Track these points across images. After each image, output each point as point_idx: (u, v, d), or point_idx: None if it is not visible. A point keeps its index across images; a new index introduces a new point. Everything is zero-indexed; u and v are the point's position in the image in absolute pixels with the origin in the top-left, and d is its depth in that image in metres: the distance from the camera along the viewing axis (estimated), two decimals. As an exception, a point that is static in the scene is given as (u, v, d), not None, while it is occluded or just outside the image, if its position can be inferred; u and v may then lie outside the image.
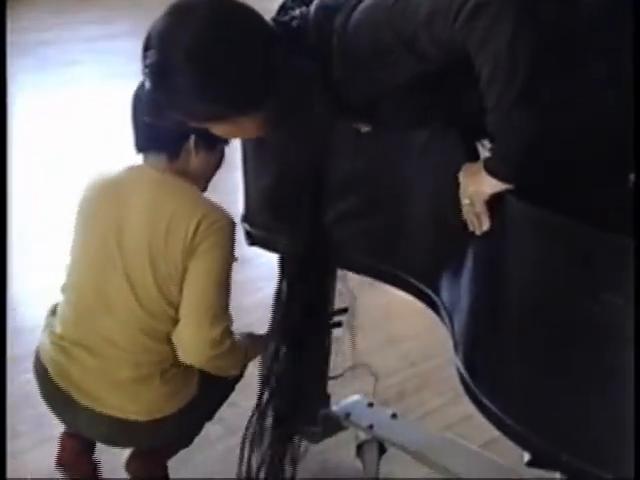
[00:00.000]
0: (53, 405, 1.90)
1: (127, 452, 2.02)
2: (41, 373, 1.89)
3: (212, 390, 1.93)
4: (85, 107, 4.97)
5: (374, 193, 1.78)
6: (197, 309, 1.75)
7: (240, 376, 1.98)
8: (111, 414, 1.81)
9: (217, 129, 1.52)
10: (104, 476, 2.01)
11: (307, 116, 1.50)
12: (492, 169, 1.37)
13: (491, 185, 1.38)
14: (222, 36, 1.37)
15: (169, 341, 1.80)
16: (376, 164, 1.74)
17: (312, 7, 1.49)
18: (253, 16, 1.43)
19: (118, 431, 1.85)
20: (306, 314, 1.73)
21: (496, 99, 1.31)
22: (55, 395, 1.87)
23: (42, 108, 5.03)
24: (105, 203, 1.83)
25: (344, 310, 2.06)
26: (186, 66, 1.36)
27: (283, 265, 1.80)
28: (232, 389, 2.01)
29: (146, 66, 1.40)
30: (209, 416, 2.04)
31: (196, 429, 2.03)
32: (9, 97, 4.56)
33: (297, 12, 1.50)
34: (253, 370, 1.88)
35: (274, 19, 1.50)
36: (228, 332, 1.80)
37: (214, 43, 1.37)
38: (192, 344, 1.77)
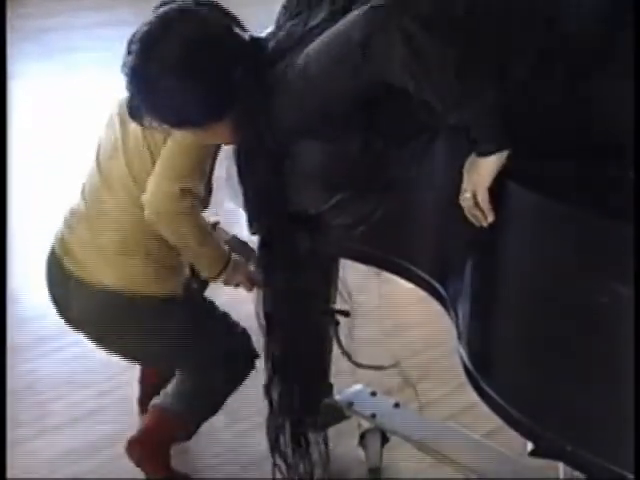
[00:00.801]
0: (51, 284, 2.04)
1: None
2: (49, 256, 2.05)
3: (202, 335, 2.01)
4: (88, 94, 4.97)
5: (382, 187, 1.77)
6: (161, 167, 1.88)
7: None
8: (96, 283, 1.94)
9: (192, 134, 1.71)
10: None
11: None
12: (481, 148, 1.40)
13: (488, 168, 1.40)
14: (193, 53, 1.54)
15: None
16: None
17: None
18: (225, 33, 1.59)
19: (103, 307, 1.95)
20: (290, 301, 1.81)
21: (437, 100, 1.40)
22: (55, 272, 2.02)
23: (45, 94, 5.02)
24: (116, 116, 2.07)
25: (346, 314, 2.09)
26: (160, 76, 1.54)
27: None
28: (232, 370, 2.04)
29: (125, 70, 1.58)
30: (212, 410, 2.07)
31: (198, 415, 2.07)
32: (11, 83, 4.56)
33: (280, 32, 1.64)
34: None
35: (251, 36, 1.63)
36: (192, 195, 1.88)
37: (185, 58, 1.54)
38: (152, 196, 1.87)
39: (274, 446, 1.92)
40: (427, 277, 1.72)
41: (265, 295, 1.83)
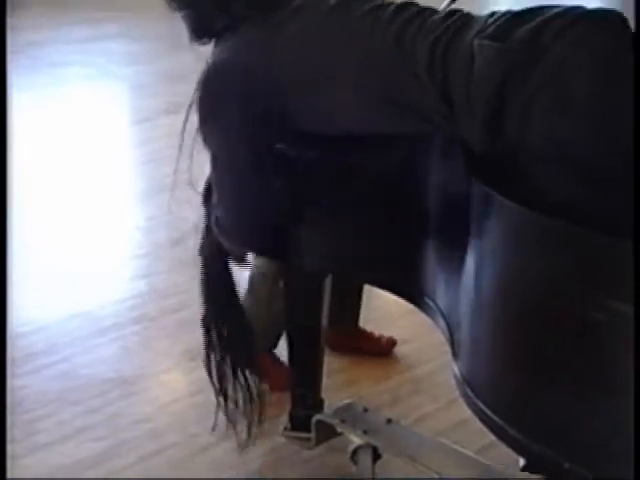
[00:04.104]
0: None
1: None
2: None
3: None
4: (76, 107, 4.96)
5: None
6: None
7: None
8: None
9: None
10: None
11: None
12: None
13: None
14: None
15: None
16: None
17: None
18: None
19: None
20: None
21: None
22: None
23: (34, 108, 5.00)
24: None
25: None
26: None
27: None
28: None
29: None
30: None
31: None
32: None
33: None
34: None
35: None
36: None
37: None
38: None
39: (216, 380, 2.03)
40: (416, 291, 1.72)
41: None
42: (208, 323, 2.05)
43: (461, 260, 1.53)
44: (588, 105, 1.38)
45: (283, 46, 1.69)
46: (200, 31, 1.82)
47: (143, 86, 5.39)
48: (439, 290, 1.66)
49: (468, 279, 1.51)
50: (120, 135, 4.76)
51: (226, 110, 1.75)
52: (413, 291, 1.74)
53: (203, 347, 2.06)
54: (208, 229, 1.95)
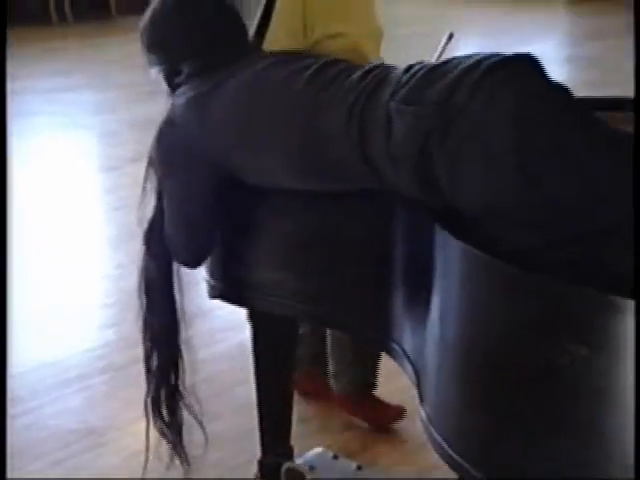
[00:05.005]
0: None
1: None
2: None
3: None
4: (45, 156, 4.96)
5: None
6: None
7: None
8: None
9: None
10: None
11: None
12: None
13: None
14: None
15: None
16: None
17: None
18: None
19: None
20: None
21: None
22: None
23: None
24: None
25: None
26: None
27: None
28: None
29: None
30: None
31: None
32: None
33: None
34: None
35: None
36: None
37: None
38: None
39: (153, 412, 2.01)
40: (382, 336, 1.72)
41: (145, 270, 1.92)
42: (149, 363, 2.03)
43: (427, 305, 1.53)
44: (509, 157, 1.37)
45: (218, 108, 1.73)
46: (168, 84, 1.88)
47: (110, 134, 5.42)
48: (406, 335, 1.66)
49: (433, 324, 1.51)
50: (89, 182, 4.77)
51: (175, 166, 1.80)
52: (380, 336, 1.74)
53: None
54: (146, 269, 1.94)
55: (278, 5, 2.03)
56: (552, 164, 1.36)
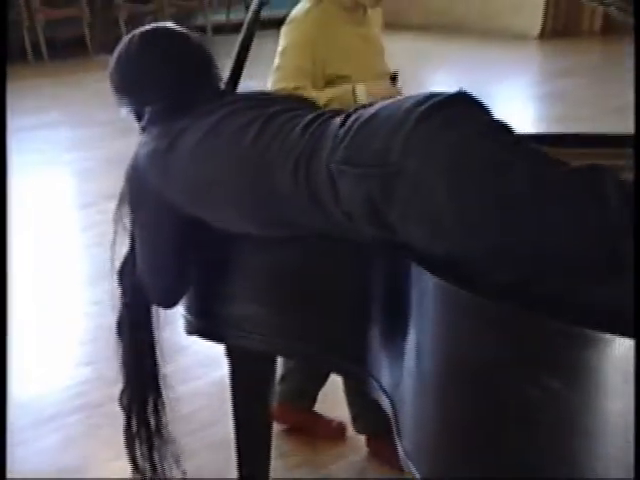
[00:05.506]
0: None
1: None
2: None
3: None
4: (21, 193, 4.93)
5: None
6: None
7: None
8: None
9: None
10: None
11: None
12: None
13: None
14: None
15: None
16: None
17: None
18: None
19: None
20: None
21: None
22: None
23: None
24: None
25: None
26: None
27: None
28: None
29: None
30: None
31: None
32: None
33: None
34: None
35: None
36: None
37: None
38: None
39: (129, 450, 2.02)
40: (360, 371, 1.72)
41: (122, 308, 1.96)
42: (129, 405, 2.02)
43: (404, 338, 1.54)
44: (448, 213, 1.37)
45: (175, 164, 1.73)
46: (139, 124, 1.89)
47: (85, 171, 5.41)
48: (383, 369, 1.66)
49: (410, 357, 1.52)
50: (65, 220, 4.75)
51: (143, 209, 1.82)
52: (357, 371, 1.74)
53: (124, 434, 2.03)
54: (124, 307, 1.95)
55: (284, 45, 2.24)
56: (489, 213, 1.35)
